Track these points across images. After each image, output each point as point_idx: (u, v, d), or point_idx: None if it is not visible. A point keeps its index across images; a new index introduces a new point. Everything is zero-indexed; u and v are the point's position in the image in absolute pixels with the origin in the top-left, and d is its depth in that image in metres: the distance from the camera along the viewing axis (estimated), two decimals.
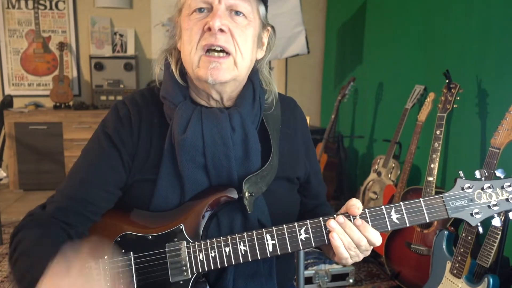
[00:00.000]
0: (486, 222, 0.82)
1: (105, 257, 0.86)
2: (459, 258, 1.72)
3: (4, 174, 3.05)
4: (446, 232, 1.84)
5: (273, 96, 1.02)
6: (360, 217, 0.83)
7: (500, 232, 1.61)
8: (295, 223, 0.84)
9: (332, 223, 0.82)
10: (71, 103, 4.24)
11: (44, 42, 4.34)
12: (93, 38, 4.38)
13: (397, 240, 2.26)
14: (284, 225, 0.84)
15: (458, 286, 1.71)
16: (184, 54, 0.91)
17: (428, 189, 2.05)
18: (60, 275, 0.75)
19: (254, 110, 0.95)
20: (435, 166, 2.06)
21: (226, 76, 0.88)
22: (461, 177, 0.83)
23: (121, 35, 4.43)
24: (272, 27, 1.00)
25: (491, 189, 0.81)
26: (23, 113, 4.00)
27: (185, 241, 0.86)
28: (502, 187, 0.81)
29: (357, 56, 3.76)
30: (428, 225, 2.10)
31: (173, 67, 0.95)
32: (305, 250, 0.92)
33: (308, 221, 0.84)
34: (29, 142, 4.00)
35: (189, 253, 0.86)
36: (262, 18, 0.95)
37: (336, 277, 2.37)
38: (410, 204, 0.82)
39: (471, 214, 0.81)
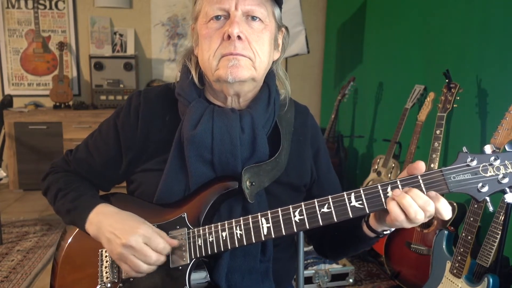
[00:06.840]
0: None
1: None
2: (459, 257, 1.72)
3: (4, 174, 3.05)
4: (446, 232, 1.84)
5: (286, 94, 1.05)
6: (355, 197, 0.78)
7: (500, 232, 1.61)
8: (290, 206, 0.83)
9: (396, 191, 0.76)
10: (70, 103, 4.24)
11: (43, 42, 4.34)
12: (92, 38, 4.38)
13: (397, 240, 2.26)
14: (279, 209, 0.84)
15: (458, 285, 1.71)
16: (203, 60, 0.93)
17: None
18: (108, 206, 0.94)
19: (267, 114, 0.97)
20: (435, 166, 2.05)
21: (245, 74, 0.90)
22: (464, 152, 0.76)
23: (121, 35, 4.43)
24: (286, 28, 1.02)
25: (498, 162, 0.73)
26: (23, 113, 4.00)
27: (186, 228, 0.89)
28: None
29: (357, 56, 3.76)
30: (428, 225, 2.10)
31: (193, 72, 0.98)
32: (305, 249, 0.91)
33: (302, 203, 0.83)
34: (29, 142, 3.99)
35: (188, 238, 0.88)
36: (277, 21, 0.97)
37: (336, 277, 2.37)
38: (408, 180, 0.77)
39: (477, 190, 0.74)
